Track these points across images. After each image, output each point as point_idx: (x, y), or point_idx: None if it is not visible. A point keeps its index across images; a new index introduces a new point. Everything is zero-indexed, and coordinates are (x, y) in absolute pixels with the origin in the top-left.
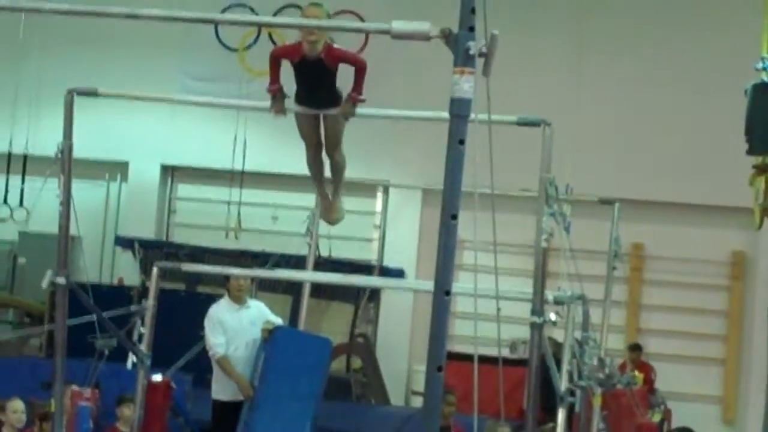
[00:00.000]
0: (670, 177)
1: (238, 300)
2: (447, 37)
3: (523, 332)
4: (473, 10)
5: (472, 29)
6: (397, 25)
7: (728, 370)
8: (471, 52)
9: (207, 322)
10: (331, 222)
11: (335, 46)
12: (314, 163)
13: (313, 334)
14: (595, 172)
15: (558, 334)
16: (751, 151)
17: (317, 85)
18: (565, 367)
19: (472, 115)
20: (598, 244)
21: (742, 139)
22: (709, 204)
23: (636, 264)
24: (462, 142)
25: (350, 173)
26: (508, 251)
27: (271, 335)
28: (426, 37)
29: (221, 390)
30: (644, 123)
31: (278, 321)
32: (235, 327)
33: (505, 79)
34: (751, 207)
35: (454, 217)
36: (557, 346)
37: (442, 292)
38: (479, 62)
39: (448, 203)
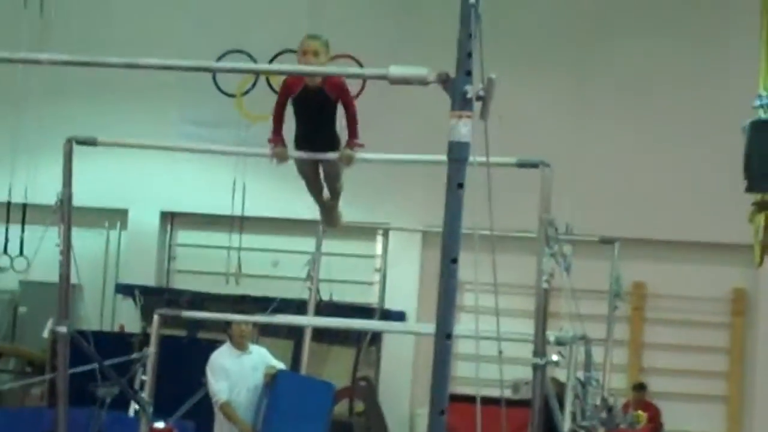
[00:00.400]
0: (670, 215)
1: (240, 346)
2: (444, 81)
3: (526, 373)
4: (470, 54)
5: (469, 73)
6: (395, 70)
7: (731, 407)
8: (468, 96)
9: (209, 369)
10: (334, 227)
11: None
12: (314, 189)
13: (315, 378)
14: (595, 211)
15: (561, 374)
16: (749, 189)
17: (318, 120)
18: (568, 407)
19: (471, 158)
20: (599, 284)
21: (740, 177)
22: (710, 241)
23: (637, 303)
24: (461, 185)
25: (350, 216)
26: (510, 292)
27: (273, 380)
28: (423, 82)
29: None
30: (643, 161)
31: (280, 365)
32: (238, 373)
33: (505, 120)
34: (751, 244)
35: (454, 260)
36: (560, 386)
37: (444, 335)
38: (477, 106)
39: (448, 247)
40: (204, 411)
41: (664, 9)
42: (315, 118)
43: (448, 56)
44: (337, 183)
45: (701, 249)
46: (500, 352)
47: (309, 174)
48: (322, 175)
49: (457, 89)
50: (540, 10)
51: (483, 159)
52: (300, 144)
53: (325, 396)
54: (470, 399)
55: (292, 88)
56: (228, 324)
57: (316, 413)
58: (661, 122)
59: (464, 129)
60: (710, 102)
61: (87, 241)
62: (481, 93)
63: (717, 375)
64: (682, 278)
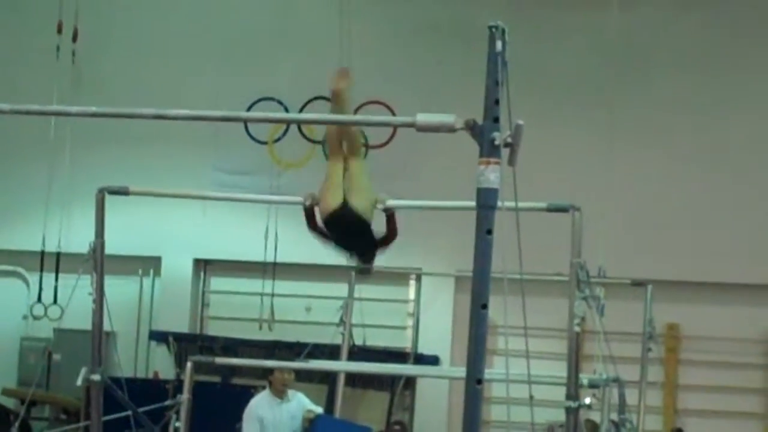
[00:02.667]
0: (703, 256)
1: (280, 393)
2: (472, 128)
3: (560, 415)
4: (497, 101)
5: (496, 120)
6: (422, 118)
7: None
8: (496, 142)
9: (245, 416)
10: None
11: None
12: None
13: (353, 423)
14: (627, 253)
15: (595, 416)
16: None
17: (353, 236)
18: None
19: (500, 204)
20: (632, 326)
21: None
22: (743, 282)
23: (671, 344)
24: (490, 232)
25: (383, 262)
26: (543, 335)
27: (312, 424)
28: (451, 129)
29: None
30: (676, 203)
31: (319, 410)
32: (276, 422)
33: (534, 164)
34: None
35: (484, 306)
36: (595, 428)
37: (474, 381)
38: (505, 152)
39: (478, 293)
40: None
41: (694, 47)
42: (350, 235)
43: (477, 102)
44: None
45: (735, 290)
46: (531, 396)
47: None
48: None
49: (484, 136)
50: (566, 54)
51: (512, 204)
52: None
53: None
54: None
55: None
56: (270, 371)
57: None
58: (692, 162)
59: (492, 175)
60: (744, 141)
61: (120, 289)
62: (509, 139)
63: (752, 416)
64: (716, 319)
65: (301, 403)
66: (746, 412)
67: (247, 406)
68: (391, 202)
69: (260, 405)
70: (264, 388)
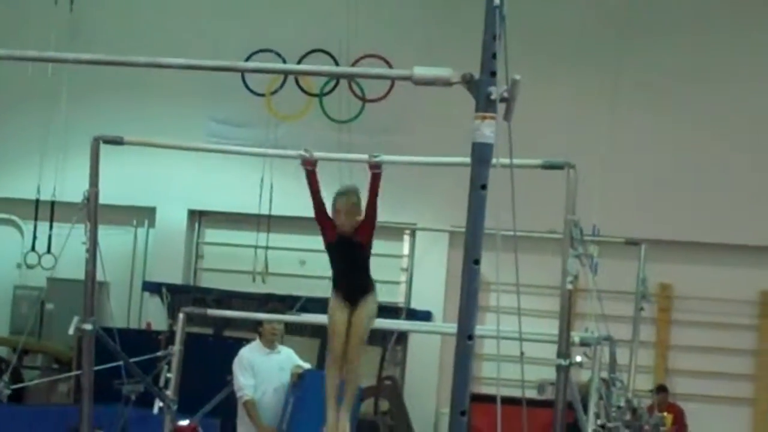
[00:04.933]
0: (697, 217)
1: (270, 344)
2: (468, 82)
3: (552, 373)
4: (494, 56)
5: (493, 74)
6: (419, 71)
7: (757, 409)
8: (492, 97)
9: (237, 364)
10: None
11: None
12: (334, 371)
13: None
14: (621, 212)
15: (585, 375)
16: None
17: (352, 264)
18: (591, 408)
19: (494, 160)
20: (625, 285)
21: None
22: (737, 243)
23: (664, 304)
24: (484, 187)
25: (377, 217)
26: (535, 293)
27: (300, 379)
28: (447, 83)
29: (247, 430)
30: (670, 163)
31: (307, 366)
32: (265, 371)
33: (530, 121)
34: None
35: (477, 261)
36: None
37: (465, 337)
38: (501, 107)
39: (470, 248)
40: (228, 409)
41: (695, 6)
42: (349, 263)
43: (477, 57)
44: (358, 353)
45: (728, 251)
46: (522, 353)
47: (339, 328)
48: (350, 333)
49: (481, 90)
50: (565, 11)
51: (507, 160)
52: (338, 286)
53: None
54: (493, 399)
55: (327, 236)
56: (259, 322)
57: None
58: (689, 123)
59: (488, 130)
60: (740, 102)
61: (114, 239)
62: (505, 94)
63: (743, 377)
64: (709, 280)
65: (290, 357)
66: (737, 374)
67: (237, 355)
68: (385, 158)
69: (250, 354)
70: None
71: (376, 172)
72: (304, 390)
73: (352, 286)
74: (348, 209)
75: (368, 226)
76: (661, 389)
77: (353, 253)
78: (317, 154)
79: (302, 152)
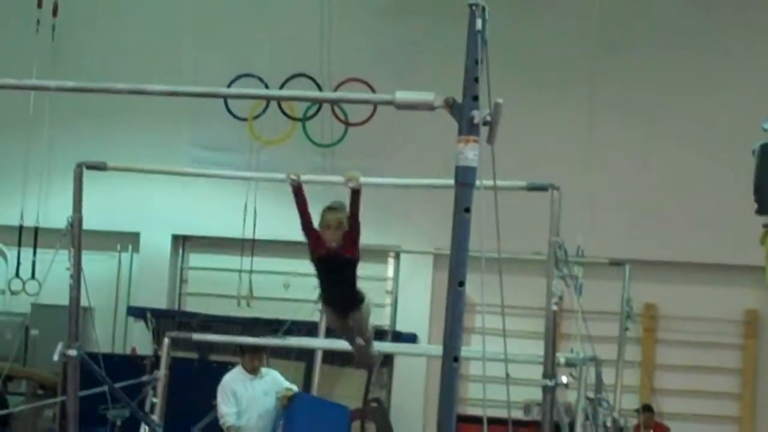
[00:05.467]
0: (682, 237)
1: (253, 371)
2: (451, 106)
3: (537, 394)
4: (476, 80)
5: (475, 98)
6: (401, 96)
7: (744, 428)
8: (475, 121)
9: (220, 391)
10: (370, 364)
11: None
12: (346, 337)
13: (331, 402)
14: (605, 233)
15: (572, 396)
16: (760, 211)
17: (339, 280)
18: (578, 429)
19: (478, 182)
20: (610, 305)
21: (751, 199)
22: (721, 263)
23: (649, 324)
24: (468, 210)
25: (361, 240)
26: (521, 314)
27: (290, 402)
28: (430, 107)
29: None
30: (654, 184)
31: (294, 388)
32: (248, 397)
33: (514, 143)
34: (762, 265)
35: (461, 284)
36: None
37: (451, 358)
38: (484, 130)
39: (455, 270)
40: None
41: (672, 28)
42: (336, 278)
43: (459, 81)
44: (364, 335)
45: (713, 270)
46: (507, 375)
47: (339, 328)
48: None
49: (464, 114)
50: (546, 33)
51: (491, 183)
52: (327, 303)
53: (340, 419)
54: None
55: (315, 250)
56: (241, 348)
57: None
58: (670, 144)
59: (471, 153)
60: (721, 122)
61: (98, 265)
62: (488, 118)
63: (729, 396)
64: (694, 300)
65: (276, 380)
66: (723, 392)
67: (220, 382)
68: (366, 180)
69: (233, 381)
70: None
71: (354, 188)
72: (294, 413)
73: (342, 301)
74: (337, 224)
75: (353, 240)
76: (646, 409)
77: (342, 269)
78: (302, 177)
79: (291, 176)
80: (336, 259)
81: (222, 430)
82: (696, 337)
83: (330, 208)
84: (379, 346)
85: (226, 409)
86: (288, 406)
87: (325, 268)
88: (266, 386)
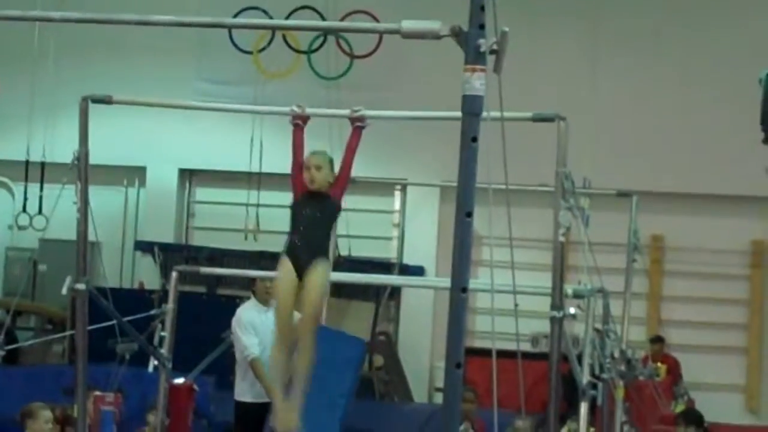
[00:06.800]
0: (688, 168)
1: (266, 302)
2: (457, 35)
3: (545, 326)
4: (483, 8)
5: (482, 27)
6: (407, 25)
7: (750, 359)
8: (481, 49)
9: (236, 324)
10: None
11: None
12: (279, 353)
13: (347, 334)
14: (612, 164)
15: (579, 328)
16: (767, 140)
17: (315, 221)
18: (586, 360)
19: (485, 113)
20: (617, 237)
21: (758, 129)
22: (728, 194)
23: (656, 255)
24: (475, 139)
25: (368, 173)
26: (527, 246)
27: None
28: (436, 36)
29: (246, 391)
30: (661, 115)
31: None
32: (264, 329)
33: (520, 74)
34: None
35: (469, 214)
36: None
37: (459, 289)
38: (491, 59)
39: (462, 201)
40: (224, 366)
41: None
42: (310, 219)
43: (464, 11)
44: (310, 326)
45: (719, 201)
46: (516, 306)
47: (286, 292)
48: (301, 301)
49: (470, 43)
50: None
51: (497, 113)
52: (288, 252)
53: (355, 351)
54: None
55: (295, 193)
56: (252, 280)
57: (346, 368)
58: (678, 74)
59: (477, 83)
60: (729, 51)
61: (105, 199)
62: (495, 47)
63: (736, 327)
64: (701, 231)
65: None
66: (729, 323)
67: (234, 316)
68: (367, 113)
69: (249, 313)
70: (249, 298)
71: (358, 125)
72: None
73: (307, 245)
74: (318, 164)
75: (341, 183)
76: (657, 340)
77: (317, 208)
78: (308, 110)
79: (294, 108)
80: (314, 198)
81: (231, 361)
82: (703, 268)
83: (313, 153)
84: (387, 279)
85: (247, 340)
86: None
87: (300, 210)
88: None
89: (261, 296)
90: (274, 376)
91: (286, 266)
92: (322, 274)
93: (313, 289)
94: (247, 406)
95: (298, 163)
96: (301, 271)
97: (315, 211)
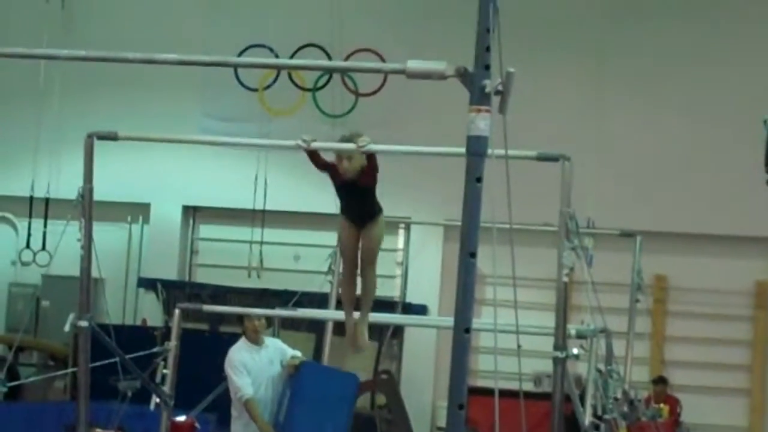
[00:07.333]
0: (692, 208)
1: (255, 340)
2: (462, 75)
3: (547, 366)
4: (488, 48)
5: (487, 67)
6: (412, 65)
7: (754, 400)
8: (486, 90)
9: (228, 366)
10: (356, 349)
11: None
12: (348, 286)
13: (339, 370)
14: (616, 204)
15: (582, 368)
16: None
17: (359, 201)
18: (588, 400)
19: (490, 152)
20: (620, 277)
21: (762, 170)
22: (732, 234)
23: (659, 296)
24: (479, 179)
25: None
26: (532, 285)
27: (297, 370)
28: (441, 77)
29: (243, 430)
30: (665, 155)
31: (297, 354)
32: (256, 368)
33: (525, 113)
34: None
35: (473, 255)
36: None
37: (462, 330)
38: (496, 100)
39: (466, 241)
40: (225, 404)
41: None
42: (356, 198)
43: (470, 51)
44: (371, 267)
45: (723, 242)
46: (519, 346)
47: (348, 247)
48: (360, 253)
49: (475, 84)
50: (557, 4)
51: (502, 153)
52: (344, 213)
53: (349, 387)
54: (490, 392)
55: (334, 180)
56: (241, 320)
57: (340, 404)
58: (682, 114)
59: (482, 123)
60: (734, 92)
61: (109, 235)
62: (500, 87)
63: (739, 368)
64: (704, 271)
65: (279, 347)
66: (733, 364)
67: (226, 357)
68: (377, 147)
69: (240, 352)
70: None
71: (366, 152)
72: (301, 381)
73: (361, 213)
74: (349, 155)
75: (371, 174)
76: (659, 380)
77: (359, 194)
78: (313, 145)
79: (300, 142)
80: (353, 186)
81: (227, 402)
82: (706, 309)
83: (344, 139)
84: (390, 318)
85: (240, 381)
86: (295, 375)
87: (344, 192)
88: (271, 354)
89: (250, 336)
90: (345, 301)
91: (344, 222)
92: (378, 224)
93: (372, 238)
94: None
95: (320, 164)
96: (359, 223)
97: (357, 196)
